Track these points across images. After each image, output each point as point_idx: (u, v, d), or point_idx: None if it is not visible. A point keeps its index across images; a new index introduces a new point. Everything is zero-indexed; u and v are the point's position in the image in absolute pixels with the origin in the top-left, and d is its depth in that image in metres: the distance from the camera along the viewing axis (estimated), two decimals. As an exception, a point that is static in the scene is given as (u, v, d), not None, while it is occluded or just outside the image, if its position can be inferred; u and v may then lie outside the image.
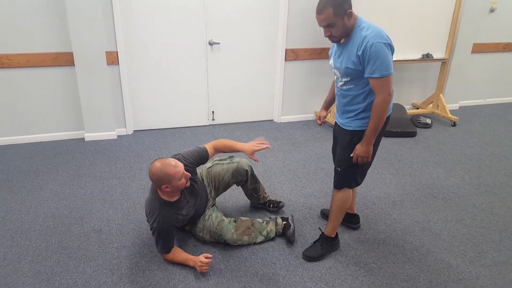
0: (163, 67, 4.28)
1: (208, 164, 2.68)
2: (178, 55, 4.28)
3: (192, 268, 2.30)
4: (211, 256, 2.24)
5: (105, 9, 3.83)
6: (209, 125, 4.74)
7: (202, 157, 2.39)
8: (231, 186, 2.75)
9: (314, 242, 2.49)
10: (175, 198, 2.27)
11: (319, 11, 1.99)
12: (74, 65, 3.88)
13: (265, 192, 2.92)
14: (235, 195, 3.11)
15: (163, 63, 4.27)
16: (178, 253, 2.33)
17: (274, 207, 2.91)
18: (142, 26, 4.06)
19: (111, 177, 3.38)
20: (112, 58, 4.01)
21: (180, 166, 2.16)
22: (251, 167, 2.75)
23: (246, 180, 2.74)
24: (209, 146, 2.44)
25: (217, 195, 2.71)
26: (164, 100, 4.43)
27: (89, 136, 4.16)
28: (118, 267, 2.31)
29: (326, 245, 2.45)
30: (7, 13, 3.61)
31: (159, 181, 2.13)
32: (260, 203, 2.93)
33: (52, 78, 3.94)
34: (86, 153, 3.85)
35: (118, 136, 4.30)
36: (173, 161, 2.16)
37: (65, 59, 3.88)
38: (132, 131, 4.43)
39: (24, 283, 2.17)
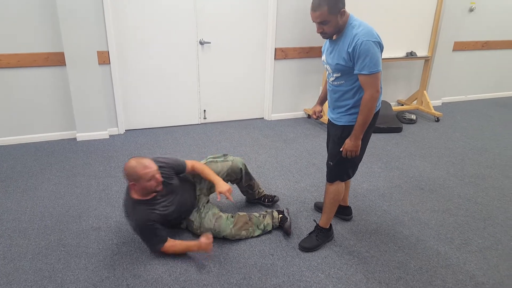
0: (154, 66, 4.32)
1: (202, 161, 2.74)
2: (169, 54, 4.33)
3: (193, 262, 2.36)
4: (210, 235, 2.32)
5: (96, 9, 3.85)
6: (201, 123, 4.80)
7: (180, 165, 2.51)
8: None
9: (310, 234, 2.58)
10: (149, 197, 2.34)
11: (314, 8, 2.07)
12: (65, 65, 3.88)
13: (259, 188, 2.99)
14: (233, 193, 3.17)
15: (154, 63, 4.30)
16: (178, 243, 2.39)
17: (269, 201, 2.99)
18: (134, 26, 4.09)
19: (106, 176, 3.41)
20: (104, 58, 4.03)
21: (152, 168, 2.24)
22: (245, 165, 2.81)
23: (241, 178, 2.80)
24: (189, 163, 2.57)
25: (211, 192, 2.76)
26: (156, 99, 4.46)
27: (81, 136, 4.17)
28: (120, 262, 2.35)
29: (321, 236, 2.54)
30: (-3, 13, 3.61)
31: (128, 177, 2.25)
32: (256, 199, 3.01)
33: (43, 78, 3.94)
34: (79, 153, 3.87)
35: (110, 135, 4.32)
36: (147, 162, 2.25)
37: (57, 59, 3.89)
38: (124, 131, 4.46)
39: (26, 280, 2.20)
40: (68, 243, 2.53)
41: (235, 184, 2.89)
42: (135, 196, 2.34)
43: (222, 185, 2.46)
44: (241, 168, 2.76)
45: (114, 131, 4.38)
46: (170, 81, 4.45)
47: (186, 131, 4.53)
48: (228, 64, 4.63)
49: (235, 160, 2.76)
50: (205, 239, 2.29)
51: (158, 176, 2.28)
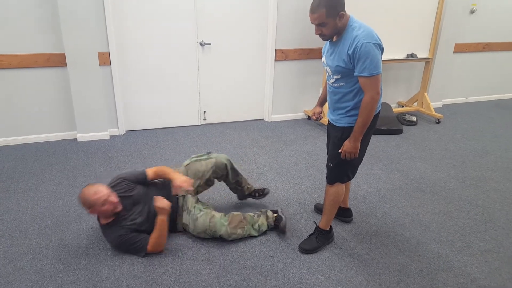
0: (155, 67, 4.33)
1: (185, 161, 2.76)
2: (169, 55, 4.33)
3: (192, 263, 2.36)
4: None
5: (97, 10, 3.86)
6: (201, 124, 4.80)
7: (139, 175, 2.56)
8: (213, 182, 2.78)
9: (310, 235, 2.58)
10: (112, 218, 2.39)
11: (313, 10, 2.07)
12: (66, 66, 3.89)
13: (248, 184, 2.95)
14: (224, 193, 3.16)
15: (155, 64, 4.31)
16: (155, 230, 2.40)
17: (260, 194, 2.97)
18: (134, 27, 4.10)
19: (106, 177, 3.40)
20: (104, 59, 4.03)
21: (102, 193, 2.29)
22: (231, 161, 2.77)
23: (227, 174, 2.77)
24: (150, 170, 2.60)
25: (198, 192, 2.73)
26: (156, 100, 4.47)
27: (82, 136, 4.18)
28: (120, 263, 2.35)
29: (321, 238, 2.54)
30: (-2, 14, 3.61)
31: (84, 206, 2.32)
32: (246, 195, 2.98)
33: (44, 79, 3.95)
34: (80, 154, 3.87)
35: (111, 136, 4.33)
36: (97, 188, 2.31)
37: (58, 60, 3.89)
38: (125, 131, 4.46)
39: (27, 280, 2.20)
40: (68, 243, 2.53)
41: (222, 181, 2.86)
42: (103, 221, 2.41)
43: (178, 178, 2.47)
44: (225, 164, 2.73)
45: (114, 131, 4.38)
46: (170, 82, 4.45)
47: (186, 132, 4.53)
48: (229, 65, 4.63)
49: (219, 156, 2.74)
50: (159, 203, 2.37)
51: (112, 198, 2.32)
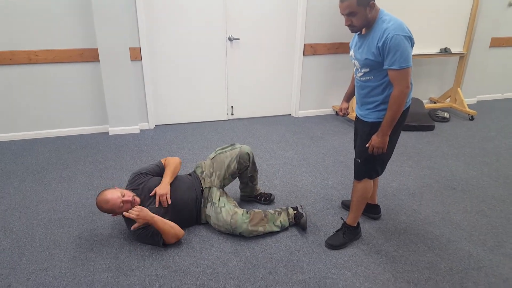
0: (184, 63, 4.38)
1: (211, 154, 2.80)
2: (198, 50, 4.38)
3: (220, 254, 2.40)
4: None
5: (129, 6, 3.94)
6: (228, 119, 4.83)
7: (154, 167, 2.68)
8: (237, 174, 2.78)
9: (337, 231, 2.56)
10: None
11: None
12: (99, 61, 4.00)
13: (257, 185, 2.99)
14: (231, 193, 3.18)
15: (184, 59, 4.37)
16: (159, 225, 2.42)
17: (266, 200, 2.97)
18: (164, 22, 4.16)
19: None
20: (136, 54, 4.12)
21: (114, 198, 2.36)
22: (253, 154, 2.78)
23: (248, 166, 2.77)
24: (163, 160, 2.73)
25: (224, 184, 2.76)
26: (185, 95, 4.53)
27: (113, 130, 4.29)
28: (149, 253, 2.41)
29: (348, 234, 2.52)
30: (34, 10, 3.74)
31: (106, 212, 2.43)
32: (253, 196, 2.99)
33: (78, 74, 4.07)
34: (111, 147, 3.98)
35: (141, 130, 4.42)
36: (109, 195, 2.37)
37: (91, 55, 4.01)
38: (154, 126, 4.55)
39: (61, 267, 2.29)
40: (100, 233, 2.61)
41: (237, 177, 2.85)
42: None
43: (160, 187, 2.51)
44: (248, 154, 2.73)
45: (144, 126, 4.47)
46: (199, 78, 4.50)
47: (214, 127, 4.58)
48: (256, 60, 4.64)
49: (242, 147, 2.75)
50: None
51: (126, 197, 2.39)
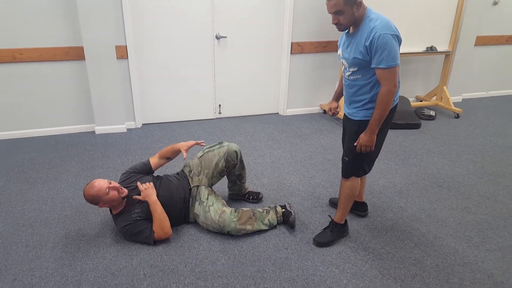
0: (171, 61, 4.36)
1: (199, 153, 2.79)
2: (185, 49, 4.35)
3: (208, 253, 2.39)
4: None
5: (115, 4, 3.90)
6: (216, 118, 4.82)
7: (143, 166, 2.71)
8: (225, 172, 2.78)
9: (324, 229, 2.57)
10: (123, 206, 2.47)
11: None
12: (84, 59, 3.95)
13: (245, 183, 2.99)
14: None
15: (171, 57, 4.34)
16: (152, 216, 2.46)
17: (254, 198, 2.97)
18: (151, 21, 4.13)
19: (123, 169, 3.44)
20: (122, 52, 4.08)
21: (100, 184, 2.38)
22: (240, 152, 2.78)
23: (236, 164, 2.77)
24: (153, 157, 2.78)
25: (212, 183, 2.76)
26: (172, 93, 4.50)
27: (100, 129, 4.25)
28: (137, 252, 2.39)
29: (335, 232, 2.53)
30: (18, 8, 3.68)
31: (92, 202, 2.42)
32: (241, 194, 2.99)
33: (63, 72, 4.02)
34: (98, 146, 3.94)
35: (128, 129, 4.39)
36: (95, 182, 2.40)
37: (76, 54, 3.96)
38: (141, 124, 4.52)
39: (47, 268, 2.26)
40: (87, 233, 2.59)
41: (225, 175, 2.85)
42: (114, 212, 2.50)
43: (182, 144, 2.69)
44: (236, 152, 2.74)
45: (131, 124, 4.44)
46: (186, 76, 4.48)
47: (202, 126, 4.56)
48: (244, 59, 4.63)
49: (230, 145, 2.75)
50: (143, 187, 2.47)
51: (113, 184, 2.41)
